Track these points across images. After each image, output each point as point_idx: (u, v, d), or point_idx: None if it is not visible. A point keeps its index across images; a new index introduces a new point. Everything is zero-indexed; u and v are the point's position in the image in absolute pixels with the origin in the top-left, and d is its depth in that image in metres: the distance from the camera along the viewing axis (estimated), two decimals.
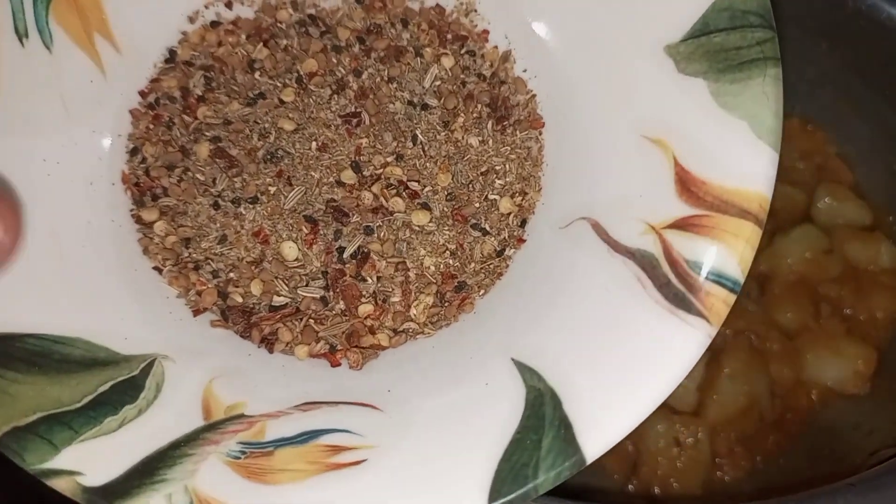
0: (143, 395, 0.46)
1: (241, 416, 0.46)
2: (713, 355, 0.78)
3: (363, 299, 0.52)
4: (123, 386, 0.46)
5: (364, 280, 0.52)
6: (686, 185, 0.47)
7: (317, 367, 0.51)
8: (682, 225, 0.46)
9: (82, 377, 0.46)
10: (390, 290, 0.52)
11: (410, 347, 0.51)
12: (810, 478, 0.73)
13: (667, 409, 0.78)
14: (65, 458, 0.42)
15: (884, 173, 0.88)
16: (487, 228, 0.54)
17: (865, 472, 0.63)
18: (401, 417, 0.46)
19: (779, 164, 0.90)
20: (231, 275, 0.53)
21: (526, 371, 0.46)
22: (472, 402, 0.45)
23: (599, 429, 0.42)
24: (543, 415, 0.43)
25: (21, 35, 0.52)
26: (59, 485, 0.42)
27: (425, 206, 0.54)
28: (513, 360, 0.47)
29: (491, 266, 0.54)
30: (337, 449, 0.44)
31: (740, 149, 0.46)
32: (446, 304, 0.53)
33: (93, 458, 0.42)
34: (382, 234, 0.53)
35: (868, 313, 0.83)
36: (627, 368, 0.43)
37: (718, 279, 0.44)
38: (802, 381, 0.81)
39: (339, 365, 0.50)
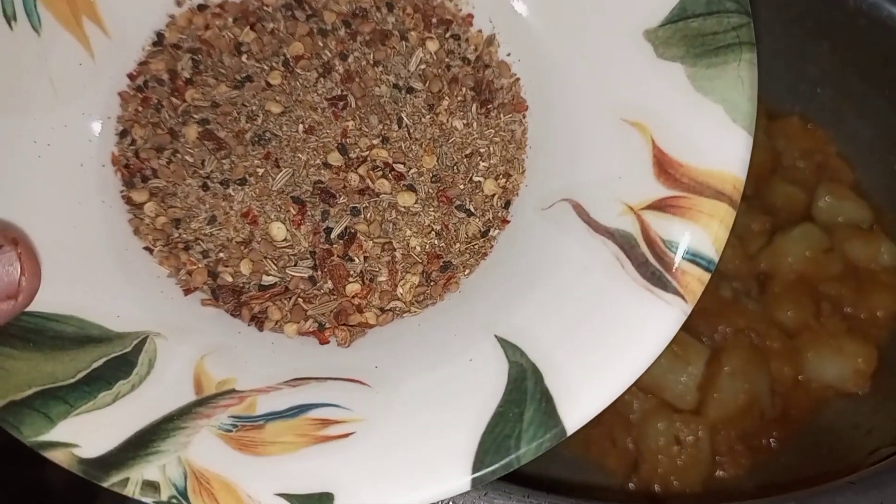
0: (136, 371, 0.47)
1: (232, 391, 0.47)
2: (714, 353, 0.79)
3: (350, 279, 0.53)
4: (117, 362, 0.47)
5: (351, 260, 0.53)
6: (663, 167, 0.48)
7: (306, 345, 0.52)
8: (659, 206, 0.48)
9: (76, 353, 0.47)
10: (377, 269, 0.53)
11: (397, 326, 0.52)
12: (810, 476, 0.74)
13: (667, 408, 0.79)
14: (61, 431, 0.43)
15: (884, 172, 0.89)
16: (472, 210, 0.55)
17: (865, 470, 0.64)
18: (387, 393, 0.47)
19: (779, 163, 0.91)
20: (221, 255, 0.54)
21: (509, 347, 0.47)
22: (456, 378, 0.47)
23: (579, 402, 0.44)
24: (525, 389, 0.45)
25: (9, 18, 0.53)
26: (56, 456, 0.43)
27: (411, 188, 0.55)
28: (496, 336, 0.48)
29: (475, 246, 0.55)
30: (326, 422, 0.45)
31: (715, 132, 0.47)
32: (432, 284, 0.54)
33: (88, 431, 0.44)
34: (369, 215, 0.54)
35: (868, 312, 0.84)
36: (606, 344, 0.45)
37: (693, 258, 0.45)
38: (803, 380, 0.82)
39: (328, 343, 0.51)
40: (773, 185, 0.92)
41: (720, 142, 0.47)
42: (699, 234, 0.46)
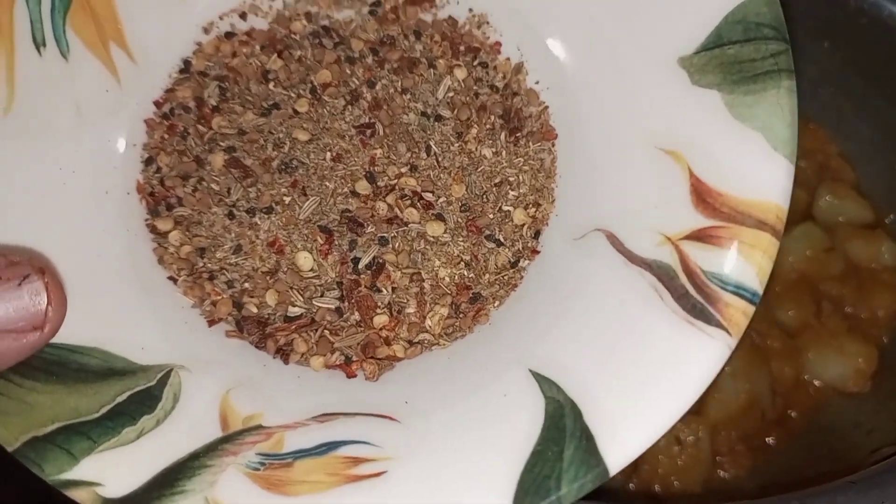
0: (161, 406, 0.46)
1: (259, 427, 0.46)
2: None
3: (378, 310, 0.52)
4: (141, 396, 0.46)
5: (379, 291, 0.52)
6: (702, 196, 0.47)
7: (333, 379, 0.51)
8: (698, 236, 0.47)
9: (100, 387, 0.46)
10: (405, 300, 0.52)
11: (426, 359, 0.51)
12: (811, 476, 0.74)
13: None
14: (84, 469, 0.42)
15: (885, 172, 0.89)
16: (501, 240, 0.54)
17: (866, 469, 0.63)
18: (419, 429, 0.46)
19: None
20: (246, 285, 0.53)
21: (544, 382, 0.46)
22: (490, 414, 0.46)
23: (621, 440, 0.42)
24: (564, 426, 0.43)
25: (39, 44, 0.53)
26: (79, 495, 0.42)
27: (440, 217, 0.54)
28: (530, 371, 0.47)
29: (505, 277, 0.54)
30: (356, 461, 0.44)
31: (756, 160, 0.46)
32: (461, 316, 0.53)
33: (112, 469, 0.42)
34: (397, 244, 0.53)
35: (869, 311, 0.84)
36: (648, 379, 0.44)
37: (737, 290, 0.44)
38: (803, 379, 0.82)
39: (355, 376, 0.50)
40: None
41: (761, 170, 0.46)
42: (742, 266, 0.44)
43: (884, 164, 0.89)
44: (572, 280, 0.51)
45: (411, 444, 0.45)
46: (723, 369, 0.75)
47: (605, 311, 0.47)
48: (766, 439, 0.80)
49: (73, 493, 0.42)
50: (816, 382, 0.81)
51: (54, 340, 0.46)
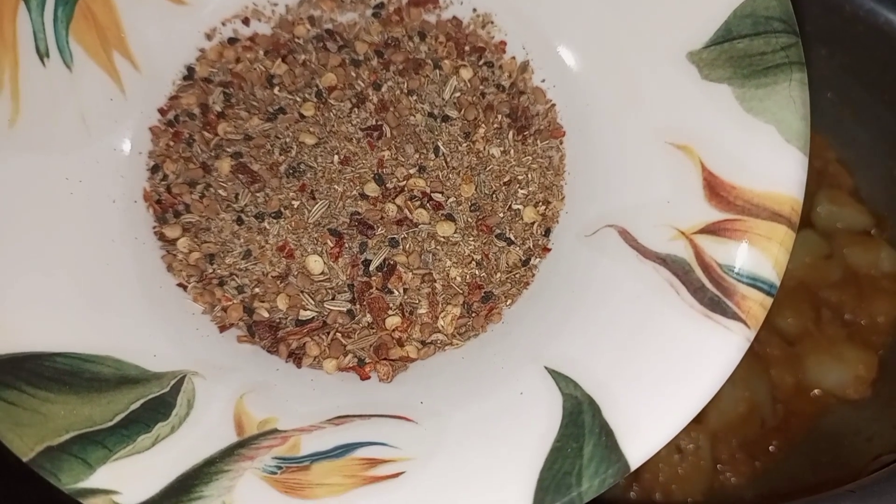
0: (175, 412, 0.45)
1: (275, 430, 0.45)
2: None
3: (390, 311, 0.51)
4: (155, 403, 0.45)
5: (391, 292, 0.52)
6: (715, 189, 0.47)
7: (346, 381, 0.50)
8: (712, 229, 0.46)
9: (113, 395, 0.45)
10: (417, 301, 0.52)
11: (440, 359, 0.51)
12: (812, 483, 0.74)
13: None
14: (100, 477, 0.42)
15: (883, 178, 0.89)
16: (512, 238, 0.54)
17: (867, 477, 0.63)
18: (436, 429, 0.45)
19: None
20: (256, 290, 0.53)
21: (560, 379, 0.46)
22: (507, 412, 0.45)
23: (642, 435, 0.42)
24: (583, 422, 0.43)
25: (42, 55, 0.52)
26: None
27: (450, 217, 0.54)
28: (546, 368, 0.47)
29: (517, 276, 0.54)
30: (373, 462, 0.44)
31: (769, 153, 0.46)
32: (474, 315, 0.52)
33: (128, 477, 0.42)
34: (408, 245, 0.53)
35: (869, 318, 0.84)
36: (666, 373, 0.44)
37: (754, 282, 0.44)
38: (803, 387, 0.81)
39: (369, 378, 0.50)
40: None
41: (775, 163, 0.45)
42: (758, 258, 0.44)
43: (882, 170, 0.89)
44: (585, 277, 0.50)
45: (428, 444, 0.44)
46: None
47: (620, 307, 0.47)
48: (767, 447, 0.79)
49: (89, 502, 0.41)
50: (816, 390, 0.81)
51: (66, 350, 0.46)
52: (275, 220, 0.54)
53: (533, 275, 0.54)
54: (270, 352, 0.52)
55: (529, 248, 0.54)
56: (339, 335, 0.51)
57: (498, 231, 0.54)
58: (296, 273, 0.53)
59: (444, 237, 0.53)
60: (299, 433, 0.45)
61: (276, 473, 0.43)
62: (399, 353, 0.51)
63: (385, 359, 0.50)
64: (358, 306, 0.52)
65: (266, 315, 0.52)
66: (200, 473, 0.43)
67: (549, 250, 0.54)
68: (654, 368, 0.44)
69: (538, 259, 0.54)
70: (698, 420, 0.77)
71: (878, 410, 0.80)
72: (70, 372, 0.46)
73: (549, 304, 0.51)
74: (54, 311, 0.48)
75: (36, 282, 0.48)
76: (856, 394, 0.80)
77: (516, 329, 0.51)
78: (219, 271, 0.54)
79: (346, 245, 0.53)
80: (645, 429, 0.42)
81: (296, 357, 0.51)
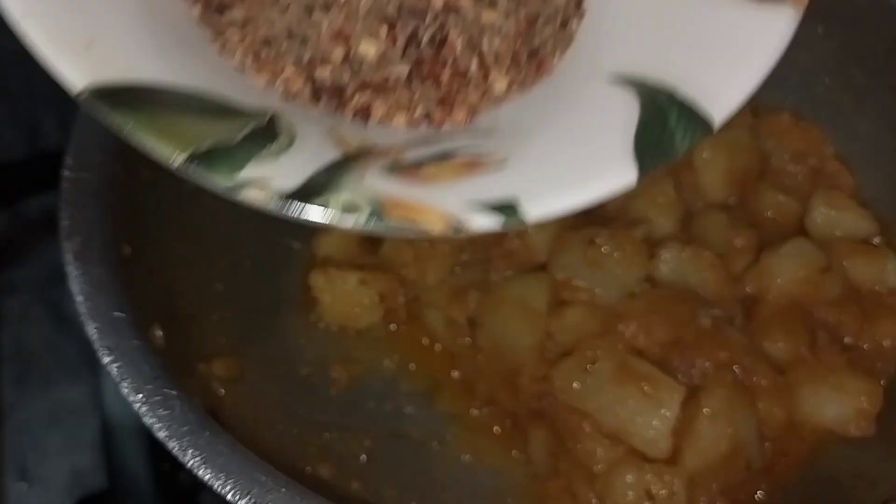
0: (280, 140, 0.46)
1: (374, 146, 0.47)
2: (691, 393, 0.71)
3: (447, 70, 0.53)
4: (263, 132, 0.46)
5: (445, 59, 0.53)
6: None
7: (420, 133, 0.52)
8: None
9: (228, 121, 0.46)
10: (471, 63, 0.54)
11: (505, 105, 0.53)
12: None
13: (637, 457, 0.70)
14: (249, 172, 0.42)
15: (889, 177, 0.83)
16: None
17: None
18: (522, 142, 0.48)
19: (767, 168, 0.84)
20: (316, 59, 0.53)
21: (628, 82, 0.49)
22: (588, 123, 0.48)
23: (720, 98, 0.46)
24: (661, 103, 0.47)
25: None
26: (253, 195, 0.42)
27: (492, 5, 0.56)
28: (614, 74, 0.50)
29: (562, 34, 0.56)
30: (475, 162, 0.46)
31: None
32: (525, 69, 0.55)
33: (274, 170, 0.43)
34: (457, 25, 0.55)
35: (872, 342, 0.76)
36: (727, 52, 0.48)
37: None
38: (796, 422, 0.74)
39: (440, 125, 0.52)
40: (760, 193, 0.85)
41: None
42: None
43: (888, 167, 0.83)
44: None
45: (522, 147, 0.47)
46: (701, 411, 0.66)
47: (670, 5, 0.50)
48: (753, 493, 0.72)
49: (246, 194, 0.42)
50: (811, 426, 0.74)
51: (172, 83, 0.46)
52: (324, 12, 0.54)
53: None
54: (337, 112, 0.52)
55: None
56: (403, 92, 0.52)
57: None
58: (352, 55, 0.53)
59: (488, 22, 0.55)
60: (400, 149, 0.47)
61: (392, 173, 0.45)
62: (464, 104, 0.52)
63: (450, 107, 0.52)
64: (416, 71, 0.53)
65: (328, 77, 0.52)
66: (332, 170, 0.44)
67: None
68: (716, 50, 0.48)
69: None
70: (672, 461, 0.66)
71: (884, 450, 0.72)
72: (184, 103, 0.46)
73: (599, 25, 0.54)
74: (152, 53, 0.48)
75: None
76: (857, 430, 0.73)
77: (572, 65, 0.54)
78: (272, 53, 0.53)
79: (399, 29, 0.54)
80: (720, 94, 0.46)
81: (363, 114, 0.51)
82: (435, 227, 0.41)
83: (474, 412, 0.83)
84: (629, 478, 0.70)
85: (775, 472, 0.74)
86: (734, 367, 0.74)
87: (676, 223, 0.82)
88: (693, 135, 0.45)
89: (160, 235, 0.78)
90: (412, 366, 0.88)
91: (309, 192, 0.42)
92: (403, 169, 0.45)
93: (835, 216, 0.82)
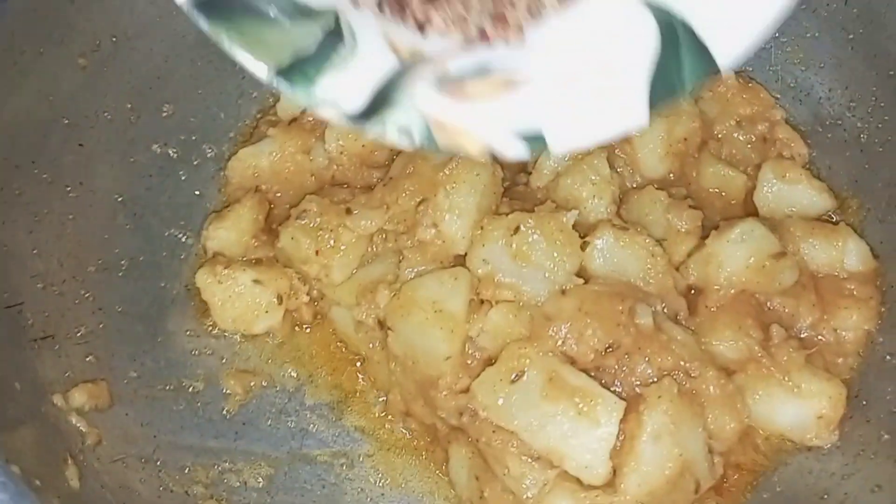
0: (347, 42, 0.51)
1: (422, 53, 0.52)
2: (630, 407, 0.62)
3: None
4: (332, 36, 0.51)
5: None
6: None
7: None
8: None
9: (302, 26, 0.50)
10: None
11: (546, 23, 0.54)
12: None
13: (571, 482, 0.62)
14: (321, 89, 0.49)
15: (848, 144, 0.73)
16: None
17: None
18: (550, 59, 0.52)
19: (711, 137, 0.74)
20: None
21: (653, 8, 0.50)
22: (614, 49, 0.50)
23: (727, 37, 0.47)
24: (676, 34, 0.49)
25: None
26: (327, 113, 0.49)
27: None
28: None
29: None
30: (512, 81, 0.50)
31: None
32: None
33: (341, 90, 0.49)
34: None
35: (833, 334, 0.68)
36: None
37: None
38: (749, 432, 0.66)
39: (490, 41, 0.53)
40: (702, 165, 0.76)
41: None
42: None
43: (847, 133, 0.73)
44: None
45: (549, 64, 0.51)
46: (642, 428, 0.58)
47: None
48: None
49: (322, 111, 0.49)
50: (766, 434, 0.66)
51: None
52: None
53: None
54: (396, 21, 0.54)
55: None
56: (458, 6, 0.53)
57: None
58: None
59: None
60: (444, 57, 0.52)
61: (438, 88, 0.50)
62: (514, 19, 0.53)
63: (502, 24, 0.53)
64: None
65: None
66: (389, 87, 0.50)
67: None
68: None
69: None
70: (612, 486, 0.58)
71: (850, 463, 0.63)
72: (264, 6, 0.49)
73: None
74: None
75: None
76: (818, 439, 0.65)
77: None
78: None
79: None
80: (730, 35, 0.47)
81: (421, 27, 0.53)
82: (473, 150, 0.49)
83: (388, 427, 0.74)
84: None
85: (727, 490, 0.66)
86: (678, 374, 0.65)
87: (611, 204, 0.72)
88: (700, 72, 0.47)
89: None
90: (318, 375, 0.78)
91: (370, 112, 0.49)
92: (449, 84, 0.50)
93: (787, 191, 0.73)
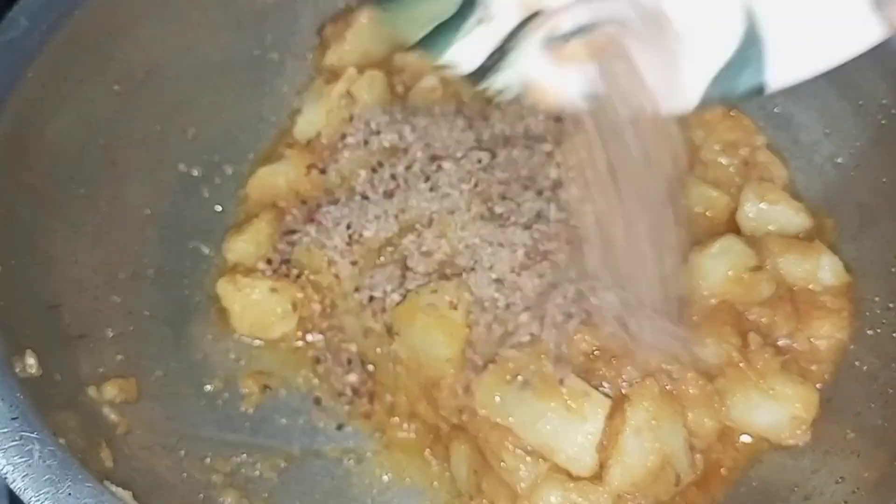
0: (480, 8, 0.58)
1: (540, 13, 0.57)
2: (616, 404, 0.67)
3: None
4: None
5: None
6: None
7: None
8: None
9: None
10: None
11: None
12: None
13: (561, 474, 0.66)
14: (451, 54, 0.58)
15: (824, 168, 0.78)
16: None
17: None
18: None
19: (696, 160, 0.79)
20: None
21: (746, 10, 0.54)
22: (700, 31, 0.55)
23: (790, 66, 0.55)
24: (752, 38, 0.54)
25: None
26: (450, 73, 0.60)
27: None
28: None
29: None
30: (606, 44, 0.55)
31: None
32: None
33: (464, 54, 0.58)
34: None
35: (807, 344, 0.72)
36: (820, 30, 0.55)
37: None
38: (728, 432, 0.70)
39: None
40: (688, 186, 0.79)
41: None
42: None
43: (822, 159, 0.79)
44: None
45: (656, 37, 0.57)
46: (626, 424, 0.62)
47: None
48: None
49: (447, 71, 0.60)
50: (744, 435, 0.71)
51: None
52: None
53: None
54: None
55: None
56: None
57: None
58: None
59: None
60: (563, 14, 0.56)
61: (544, 47, 0.56)
62: None
63: None
64: None
65: None
66: (502, 51, 0.57)
67: None
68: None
69: None
70: (598, 479, 0.60)
71: (819, 459, 0.67)
72: None
73: None
74: None
75: None
76: (792, 438, 0.69)
77: None
78: None
79: None
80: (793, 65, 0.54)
81: None
82: (550, 106, 0.58)
83: (394, 427, 0.78)
84: (553, 498, 0.66)
85: (707, 486, 0.70)
86: (660, 376, 0.69)
87: None
88: (750, 84, 0.53)
89: (41, 245, 0.71)
90: (328, 377, 0.83)
91: (481, 74, 0.57)
92: (554, 42, 0.57)
93: (767, 210, 0.78)
